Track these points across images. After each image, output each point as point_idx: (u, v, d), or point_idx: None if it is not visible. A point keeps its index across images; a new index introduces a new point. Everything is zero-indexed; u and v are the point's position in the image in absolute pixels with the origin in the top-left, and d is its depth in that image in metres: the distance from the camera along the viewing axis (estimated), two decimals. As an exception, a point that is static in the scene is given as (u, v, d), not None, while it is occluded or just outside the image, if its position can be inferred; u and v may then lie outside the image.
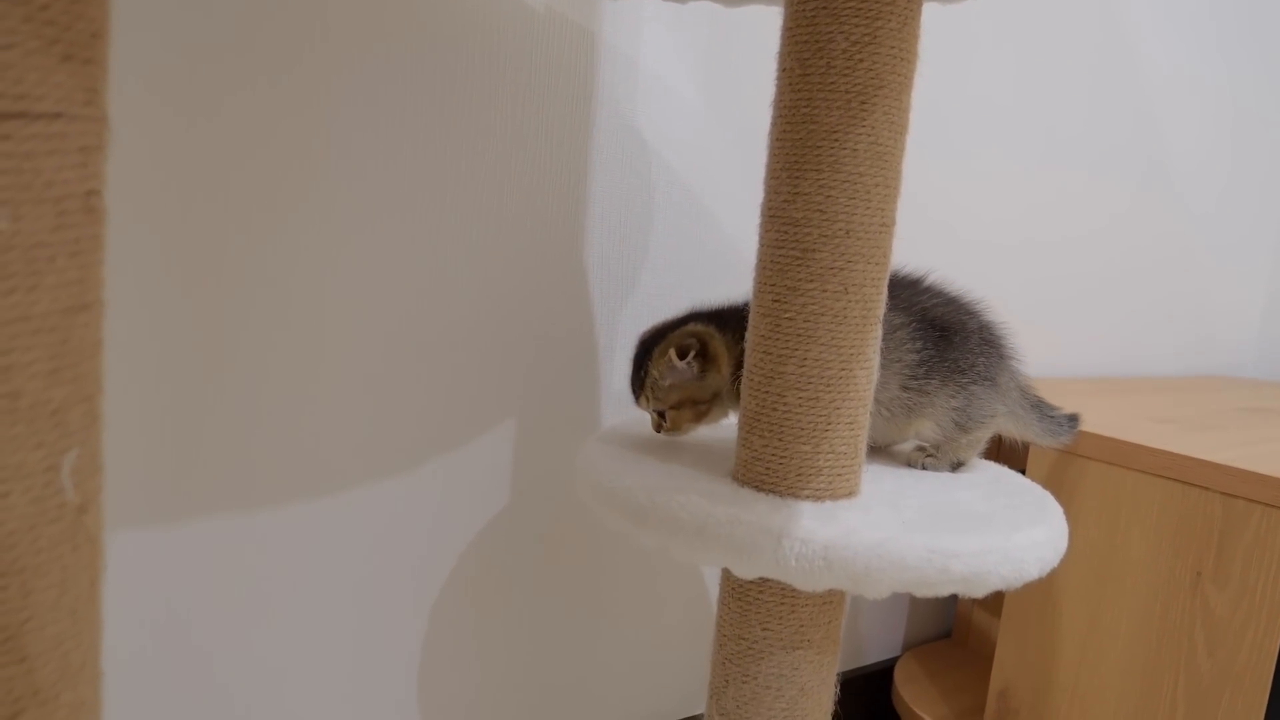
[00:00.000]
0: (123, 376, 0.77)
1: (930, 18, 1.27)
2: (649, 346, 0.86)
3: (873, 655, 1.43)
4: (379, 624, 0.94)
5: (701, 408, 0.85)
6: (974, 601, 1.47)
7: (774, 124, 0.75)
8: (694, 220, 1.08)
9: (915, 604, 1.48)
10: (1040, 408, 0.93)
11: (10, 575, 0.43)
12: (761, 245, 0.76)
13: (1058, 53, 1.50)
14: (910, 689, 1.30)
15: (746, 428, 0.77)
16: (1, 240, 0.41)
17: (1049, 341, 1.64)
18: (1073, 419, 0.96)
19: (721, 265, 1.12)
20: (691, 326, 0.84)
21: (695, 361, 0.83)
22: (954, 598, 1.53)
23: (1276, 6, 1.99)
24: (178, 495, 0.81)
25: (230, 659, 0.86)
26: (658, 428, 0.88)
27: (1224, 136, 1.92)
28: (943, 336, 0.86)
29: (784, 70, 0.74)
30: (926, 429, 0.87)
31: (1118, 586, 1.06)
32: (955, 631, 1.50)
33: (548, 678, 1.07)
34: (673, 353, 0.83)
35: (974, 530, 0.72)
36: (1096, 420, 1.17)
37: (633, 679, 1.16)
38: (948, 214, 1.40)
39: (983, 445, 0.89)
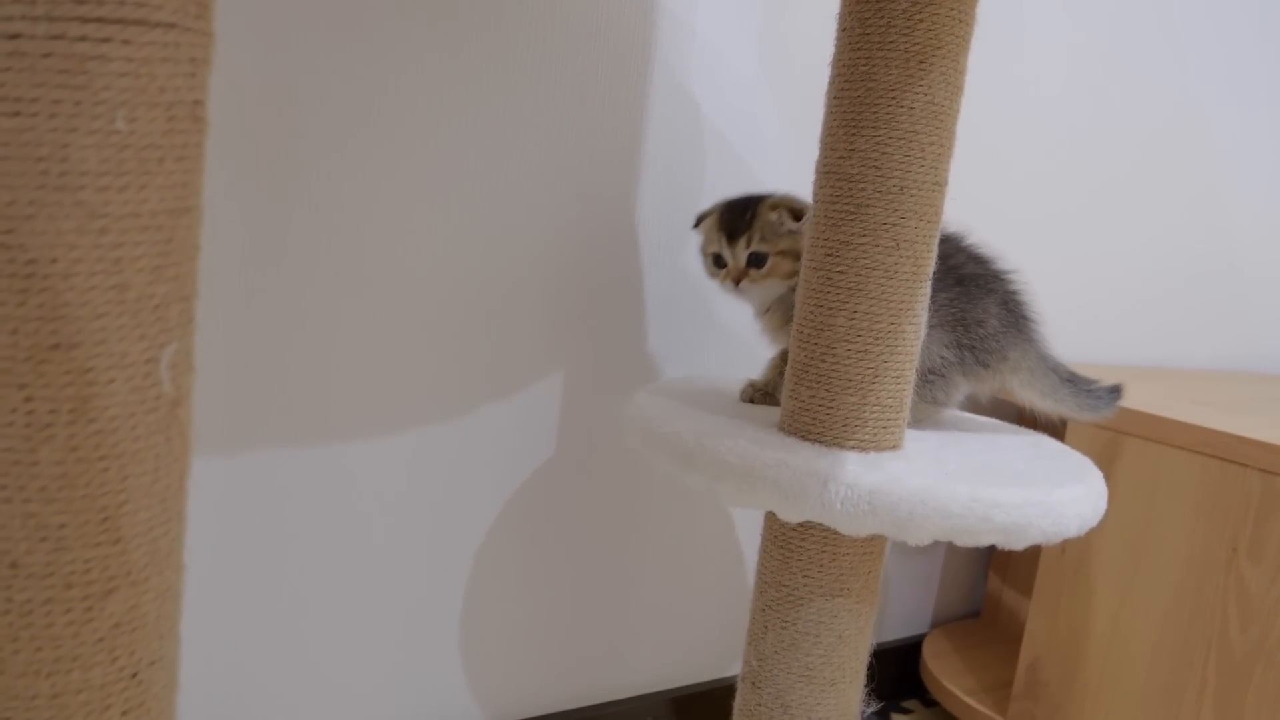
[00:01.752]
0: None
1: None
2: (751, 202, 0.89)
3: (903, 630, 1.44)
4: (428, 564, 0.97)
5: (797, 266, 0.87)
6: (1004, 581, 1.48)
7: (832, 82, 0.77)
8: (744, 187, 1.10)
9: (945, 582, 1.49)
10: (1075, 382, 0.93)
11: (110, 459, 0.46)
12: (816, 201, 0.78)
13: (1109, 48, 1.51)
14: (938, 662, 1.32)
15: (794, 379, 0.79)
16: (118, 139, 0.43)
17: (1094, 329, 1.64)
18: (1114, 391, 0.95)
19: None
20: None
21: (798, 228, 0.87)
22: (984, 576, 1.54)
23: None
24: (244, 430, 0.84)
25: (288, 590, 0.89)
26: (739, 278, 0.88)
27: (1270, 142, 1.92)
28: (962, 293, 0.87)
29: (844, 29, 0.76)
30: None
31: (1152, 561, 1.07)
32: (985, 611, 1.51)
33: (584, 629, 1.10)
34: (787, 210, 0.88)
35: (1016, 484, 0.73)
36: (1135, 399, 1.18)
37: (666, 637, 1.18)
38: (986, 203, 1.41)
39: (936, 408, 0.90)
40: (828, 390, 0.77)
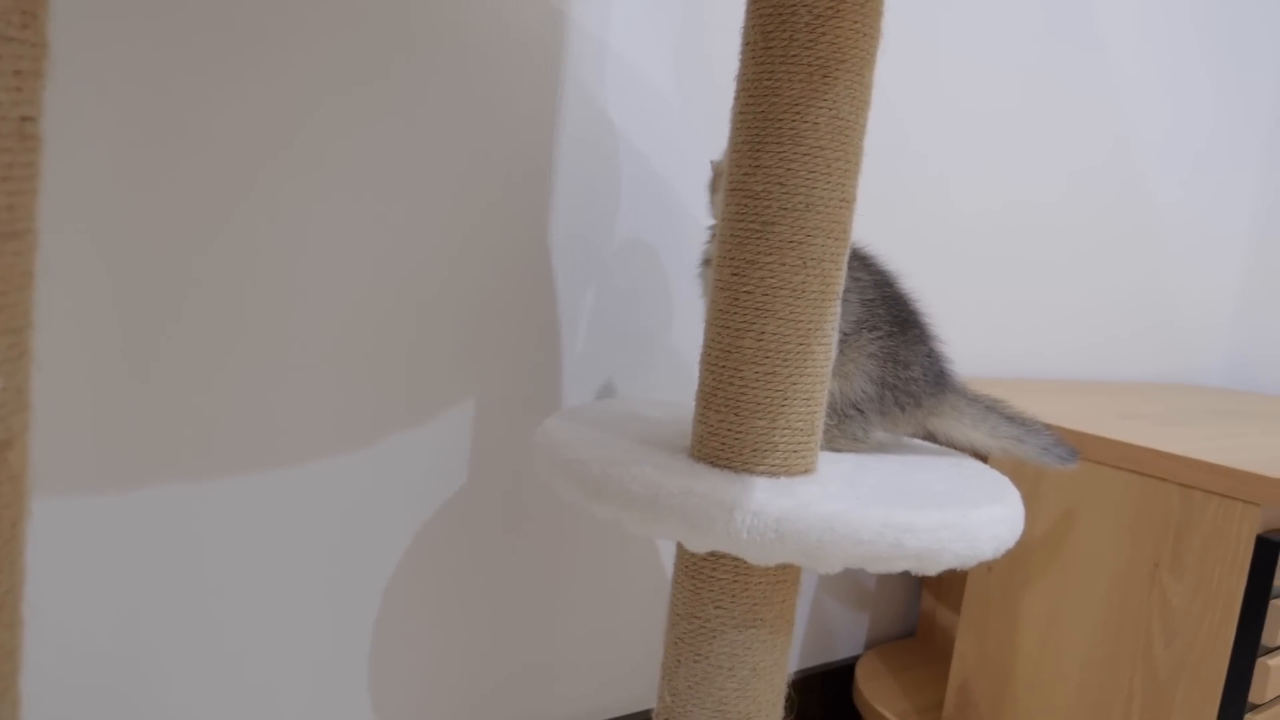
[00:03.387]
0: (78, 348, 0.76)
1: (901, 20, 1.28)
2: None
3: (836, 653, 1.42)
4: (332, 602, 0.93)
5: None
6: (938, 599, 1.46)
7: (737, 97, 0.75)
8: (662, 206, 1.08)
9: (879, 602, 1.47)
10: (1022, 423, 0.91)
11: (-73, 510, 0.42)
12: (722, 219, 0.76)
13: (1032, 61, 1.51)
14: (871, 685, 1.30)
15: (703, 403, 0.77)
16: (-75, 160, 0.40)
17: (1022, 344, 1.64)
18: (1072, 449, 0.91)
19: (691, 251, 1.11)
20: None
21: None
22: (918, 595, 1.52)
23: (1252, 21, 2.01)
24: (131, 470, 0.79)
25: (182, 636, 0.84)
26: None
27: (1194, 152, 1.94)
28: (899, 333, 0.86)
29: (747, 43, 0.74)
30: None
31: (1078, 579, 1.06)
32: (920, 630, 1.49)
33: (505, 663, 1.06)
34: None
35: (931, 506, 0.71)
36: (1060, 415, 1.17)
37: (593, 666, 1.14)
38: (921, 215, 1.40)
39: (855, 444, 0.88)
40: (736, 414, 0.74)
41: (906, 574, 1.50)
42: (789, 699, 0.90)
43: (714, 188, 0.92)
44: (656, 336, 1.10)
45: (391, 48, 0.86)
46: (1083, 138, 1.66)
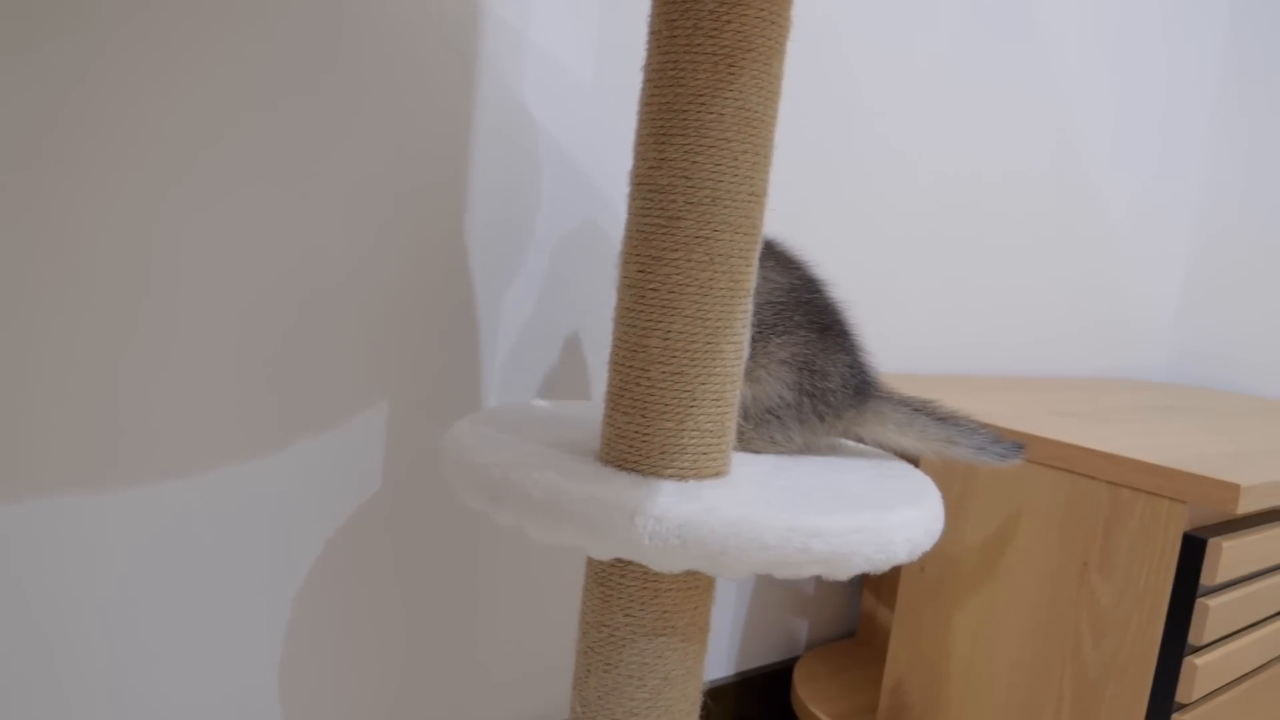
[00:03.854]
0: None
1: (844, 17, 1.26)
2: None
3: (776, 654, 1.41)
4: (236, 616, 0.89)
5: None
6: (878, 599, 1.45)
7: (643, 88, 0.73)
8: (585, 201, 1.05)
9: (819, 603, 1.46)
10: (956, 423, 0.88)
11: None
12: (629, 214, 0.73)
13: (977, 55, 1.50)
14: (808, 687, 1.28)
15: (610, 404, 0.74)
16: None
17: (967, 342, 1.64)
18: (1016, 445, 0.88)
19: (615, 246, 1.09)
20: None
21: None
22: (859, 595, 1.51)
23: (1195, 16, 2.02)
24: (16, 478, 0.75)
25: (75, 652, 0.81)
26: None
27: (1139, 146, 1.95)
28: (819, 339, 0.84)
29: (653, 32, 0.71)
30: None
31: (1009, 578, 1.05)
32: (860, 630, 1.48)
33: (423, 671, 1.03)
34: None
35: (842, 509, 0.69)
36: (996, 412, 1.16)
37: (513, 674, 1.12)
38: (865, 214, 1.39)
39: (775, 447, 0.85)
40: (643, 416, 0.72)
41: (848, 573, 1.48)
42: (705, 708, 0.88)
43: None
44: (580, 334, 1.08)
45: (298, 33, 0.83)
46: (1026, 134, 1.65)
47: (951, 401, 1.22)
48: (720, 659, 1.32)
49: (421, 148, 0.92)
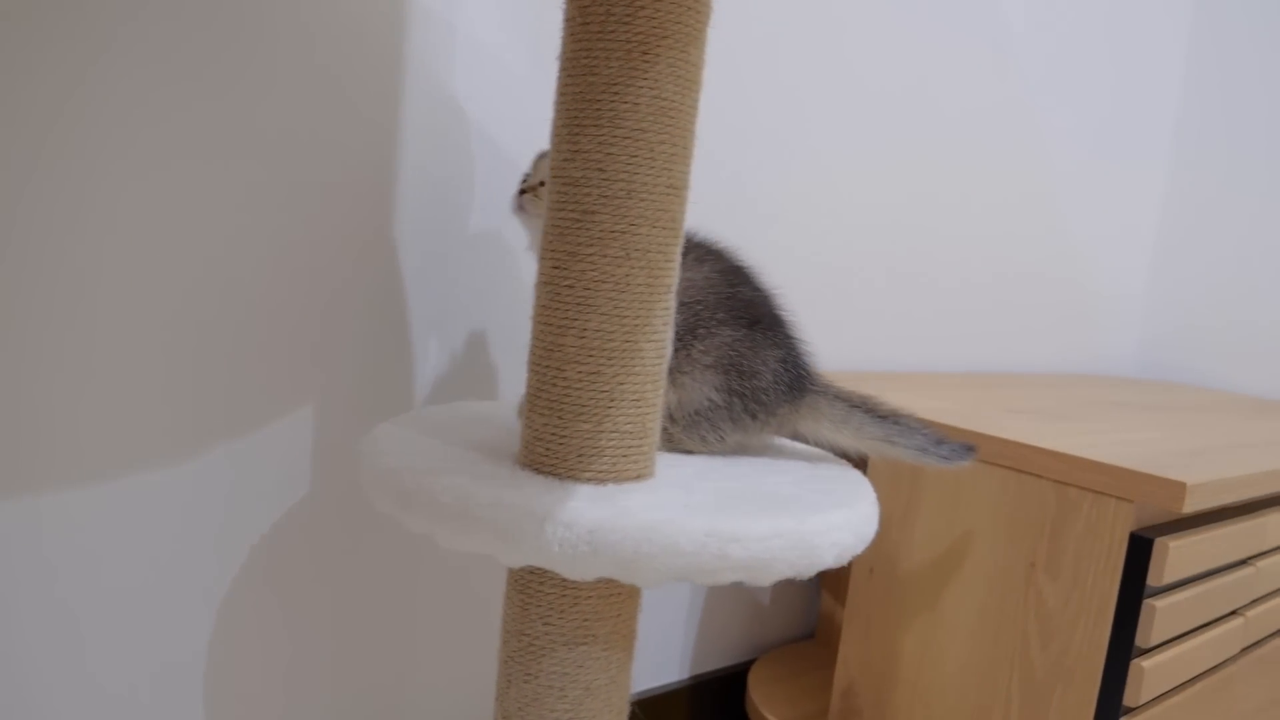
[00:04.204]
0: None
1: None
2: None
3: (731, 657, 1.38)
4: (161, 622, 0.86)
5: None
6: (837, 600, 1.43)
7: (559, 78, 0.70)
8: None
9: (777, 603, 1.43)
10: (896, 421, 0.84)
11: None
12: (547, 209, 0.71)
13: (936, 51, 1.48)
14: (762, 691, 1.26)
15: (528, 406, 0.72)
16: None
17: (925, 336, 1.61)
18: (964, 446, 0.84)
19: (555, 245, 1.06)
20: None
21: None
22: (817, 595, 1.49)
23: (1158, 12, 2.00)
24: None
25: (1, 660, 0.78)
26: (522, 190, 0.86)
27: (1107, 137, 1.93)
28: (748, 336, 0.81)
29: (567, 19, 0.69)
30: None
31: (957, 579, 1.03)
32: (819, 631, 1.46)
33: (351, 679, 1.00)
34: None
35: (766, 513, 0.67)
36: (947, 410, 1.14)
37: (443, 681, 1.09)
38: (819, 208, 1.36)
39: (707, 447, 0.83)
40: (560, 417, 0.69)
41: (807, 574, 1.46)
42: (633, 717, 0.86)
43: (527, 203, 0.87)
44: (514, 333, 1.05)
45: (219, 23, 0.80)
46: (987, 121, 1.63)
47: (906, 399, 1.20)
48: (674, 663, 1.29)
49: (348, 142, 0.89)
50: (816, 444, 0.89)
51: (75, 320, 0.77)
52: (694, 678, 1.32)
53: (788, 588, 1.44)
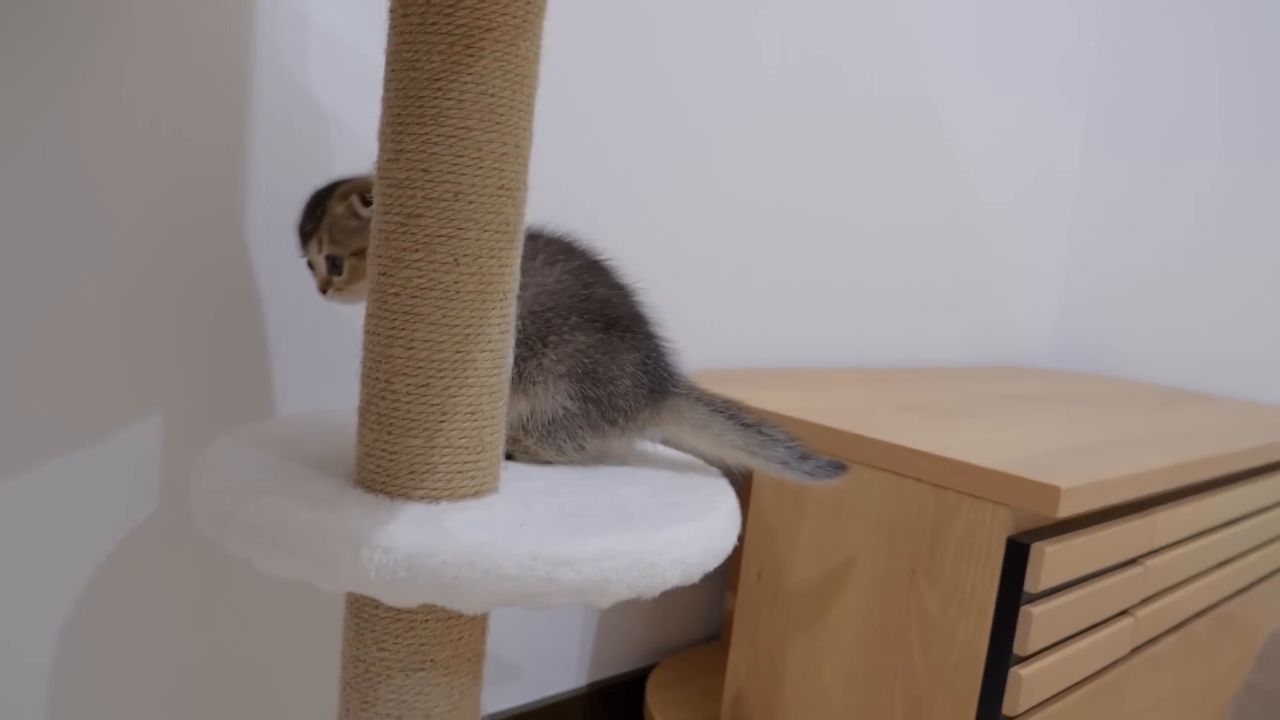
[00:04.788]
0: None
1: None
2: (325, 193, 0.77)
3: (631, 662, 1.35)
4: (2, 647, 0.81)
5: None
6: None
7: (384, 73, 0.66)
8: (392, 193, 0.98)
9: (680, 605, 1.41)
10: (756, 428, 0.81)
11: None
12: (374, 211, 0.67)
13: (839, 32, 1.45)
14: (659, 697, 1.23)
15: (360, 420, 0.68)
16: None
17: (834, 332, 1.59)
18: (832, 465, 0.81)
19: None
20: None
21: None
22: (722, 594, 1.46)
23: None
24: None
25: None
26: (325, 286, 0.77)
27: (1016, 127, 1.92)
28: (603, 341, 0.77)
29: (390, 9, 0.65)
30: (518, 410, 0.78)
31: (842, 584, 1.00)
32: (723, 633, 1.44)
33: (201, 702, 0.96)
34: (358, 197, 0.75)
35: (603, 531, 0.64)
36: (832, 409, 1.11)
37: (295, 707, 1.05)
38: (719, 196, 1.33)
39: (565, 457, 0.80)
40: (389, 432, 0.66)
41: (712, 570, 1.43)
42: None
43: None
44: (387, 337, 1.01)
45: (53, 12, 0.75)
46: (897, 116, 1.61)
47: (797, 397, 1.17)
48: (570, 669, 1.26)
49: (195, 138, 0.84)
50: (680, 449, 0.86)
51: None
52: (592, 684, 1.29)
53: (691, 588, 1.41)
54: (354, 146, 0.94)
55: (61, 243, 0.79)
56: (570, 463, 0.80)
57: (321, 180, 0.84)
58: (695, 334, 1.36)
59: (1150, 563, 1.07)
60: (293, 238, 0.92)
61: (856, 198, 1.57)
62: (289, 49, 0.89)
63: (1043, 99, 1.98)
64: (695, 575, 0.68)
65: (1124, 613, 1.06)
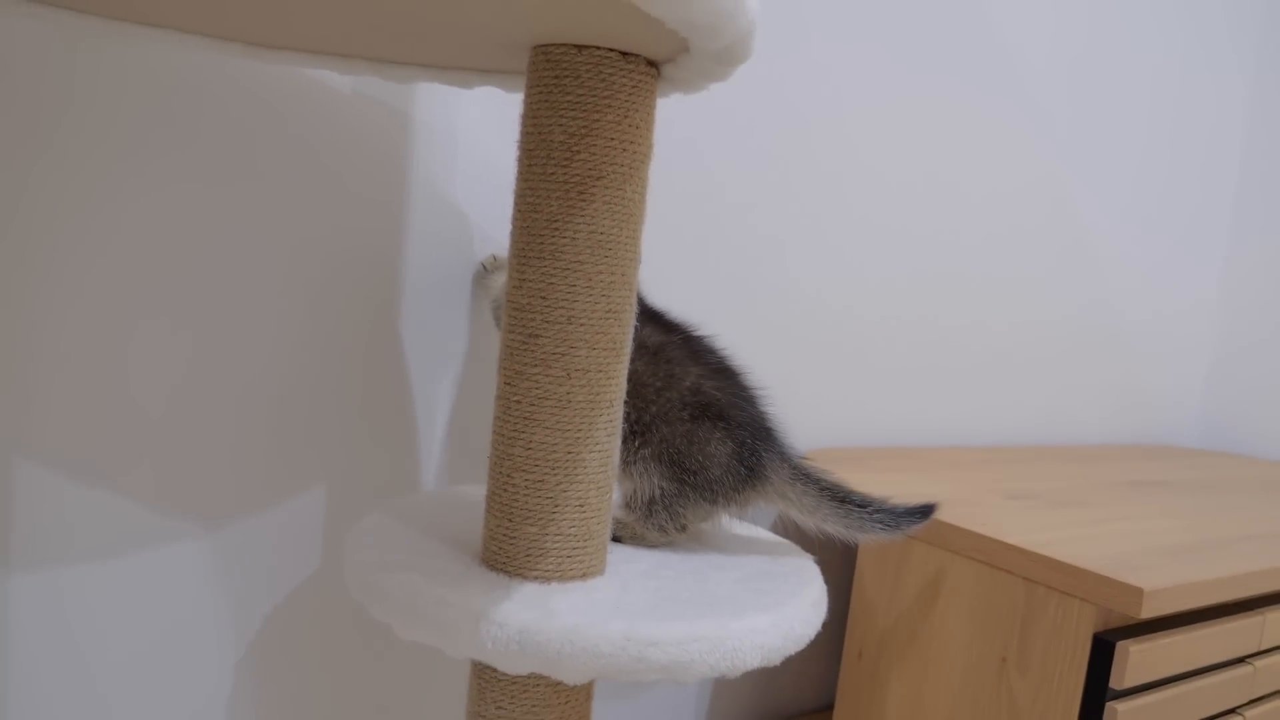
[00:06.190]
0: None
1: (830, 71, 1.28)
2: None
3: (746, 725, 1.42)
4: (182, 686, 0.96)
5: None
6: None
7: (513, 213, 0.77)
8: (528, 291, 1.10)
9: (792, 673, 1.46)
10: (849, 501, 0.87)
11: None
12: (501, 329, 0.78)
13: (968, 118, 1.51)
14: (769, 762, 1.29)
15: (487, 507, 0.78)
16: None
17: (962, 408, 1.63)
18: (914, 512, 0.88)
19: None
20: None
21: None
22: (838, 663, 1.51)
23: (1226, 52, 1.97)
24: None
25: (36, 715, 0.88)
26: None
27: (1155, 205, 1.91)
28: (690, 431, 0.85)
29: (517, 160, 0.76)
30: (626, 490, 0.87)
31: (937, 666, 1.05)
32: (838, 704, 1.48)
33: (370, 742, 1.08)
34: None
35: (691, 616, 0.72)
36: (935, 496, 1.16)
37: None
38: (843, 265, 1.40)
39: (667, 536, 0.88)
40: (510, 520, 0.76)
41: (824, 641, 1.48)
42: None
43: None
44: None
45: (241, 155, 0.90)
46: (1028, 194, 1.65)
47: (909, 480, 1.22)
48: (685, 732, 1.34)
49: (357, 247, 0.98)
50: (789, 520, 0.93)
51: (112, 407, 0.88)
52: (704, 747, 1.36)
53: (807, 658, 1.46)
54: (492, 247, 1.07)
55: (252, 337, 0.94)
56: (672, 543, 0.89)
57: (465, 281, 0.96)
58: (815, 411, 1.42)
59: (1260, 663, 1.06)
60: (438, 337, 1.05)
61: (989, 265, 1.61)
62: (441, 170, 1.02)
63: (1188, 166, 1.96)
64: (776, 659, 0.75)
65: (1231, 711, 1.05)
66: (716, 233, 1.26)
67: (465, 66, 0.86)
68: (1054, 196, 1.69)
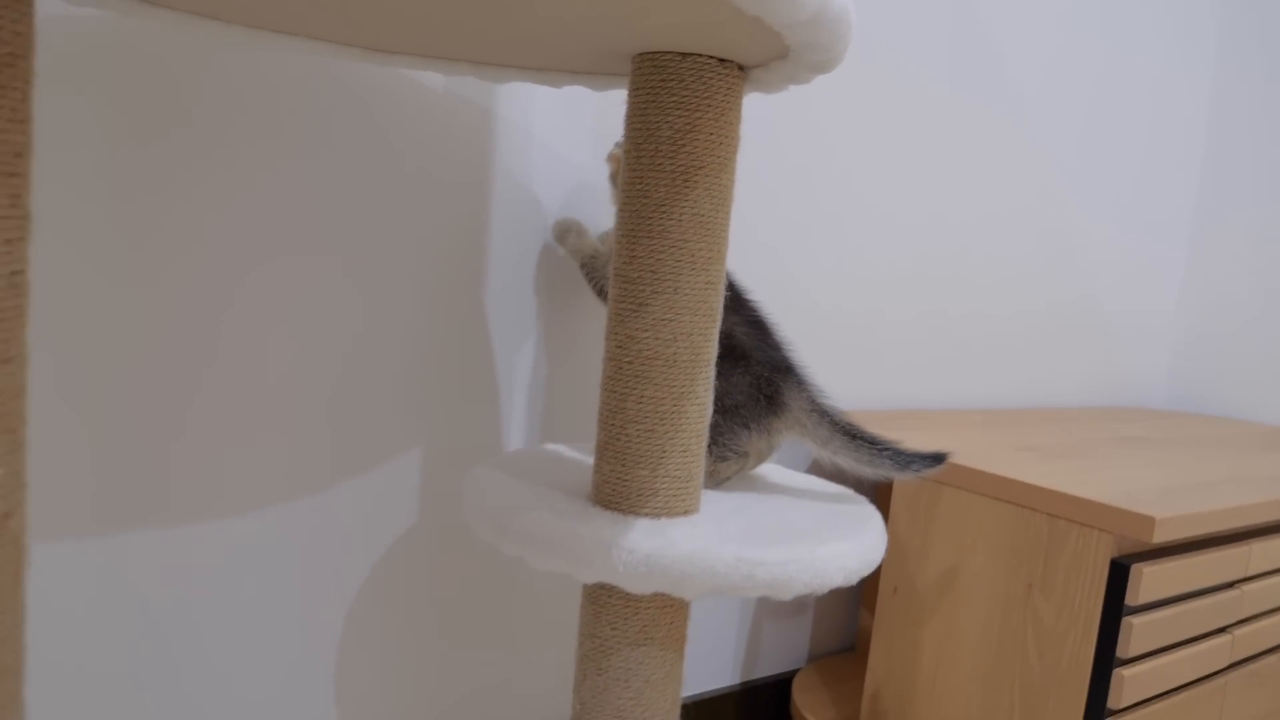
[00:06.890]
0: (63, 407, 0.90)
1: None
2: None
3: (778, 666, 1.55)
4: (300, 631, 1.06)
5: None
6: (873, 616, 1.58)
7: (620, 196, 0.89)
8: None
9: (819, 618, 1.60)
10: (861, 438, 0.98)
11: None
12: (610, 298, 0.89)
13: (953, 95, 1.64)
14: (805, 696, 1.42)
15: (598, 454, 0.90)
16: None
17: (963, 377, 1.77)
18: (927, 458, 0.98)
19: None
20: None
21: None
22: (857, 612, 1.64)
23: (1186, 31, 2.13)
24: (111, 516, 0.93)
25: (158, 671, 0.98)
26: None
27: (1131, 173, 2.06)
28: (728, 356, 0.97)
29: (626, 151, 0.87)
30: None
31: (966, 598, 1.18)
32: (858, 644, 1.62)
33: (455, 681, 1.19)
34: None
35: (784, 542, 0.84)
36: (962, 450, 1.29)
37: (536, 676, 1.27)
38: (846, 254, 1.53)
39: (726, 461, 0.99)
40: (623, 465, 0.88)
41: (847, 590, 1.62)
42: (685, 710, 1.02)
43: (614, 180, 1.09)
44: (585, 385, 1.23)
45: (337, 138, 1.01)
46: (1011, 172, 1.79)
47: (927, 438, 1.35)
48: (726, 669, 1.46)
49: (448, 234, 1.09)
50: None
51: (238, 387, 0.98)
52: (744, 683, 1.49)
53: (830, 604, 1.60)
54: (565, 234, 1.18)
55: (358, 318, 1.04)
56: (742, 470, 1.00)
57: (542, 269, 1.07)
58: (831, 382, 1.56)
59: (1246, 588, 1.21)
60: (517, 313, 1.16)
61: (977, 256, 1.75)
62: (518, 162, 1.13)
63: (1159, 136, 2.12)
64: (854, 579, 0.88)
65: (1222, 630, 1.20)
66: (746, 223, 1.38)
67: (560, 69, 0.97)
68: (1040, 188, 1.84)
